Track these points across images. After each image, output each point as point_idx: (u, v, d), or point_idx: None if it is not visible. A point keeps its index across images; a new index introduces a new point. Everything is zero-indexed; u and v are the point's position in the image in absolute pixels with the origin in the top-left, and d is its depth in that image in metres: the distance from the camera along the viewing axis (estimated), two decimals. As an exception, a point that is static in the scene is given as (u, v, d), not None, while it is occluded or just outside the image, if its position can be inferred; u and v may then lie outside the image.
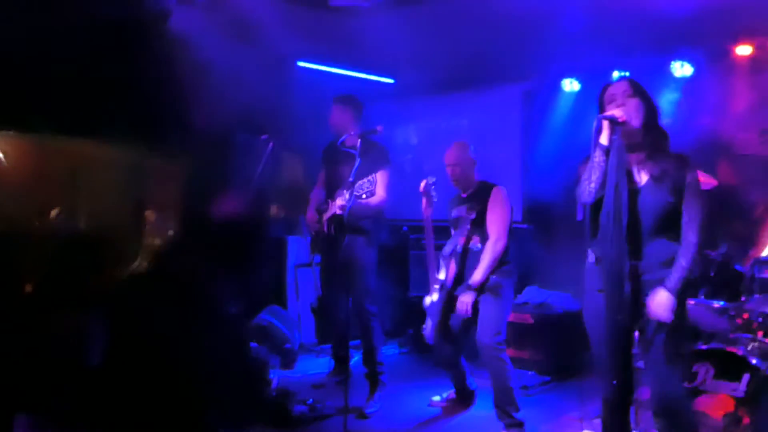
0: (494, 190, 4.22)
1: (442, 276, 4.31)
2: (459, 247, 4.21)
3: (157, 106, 5.15)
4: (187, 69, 4.94)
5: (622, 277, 2.81)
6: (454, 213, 4.36)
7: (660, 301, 2.88)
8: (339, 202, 4.09)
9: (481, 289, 4.08)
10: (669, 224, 2.97)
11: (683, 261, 2.90)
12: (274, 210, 6.59)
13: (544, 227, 6.10)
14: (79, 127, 5.60)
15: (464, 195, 4.35)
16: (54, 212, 5.82)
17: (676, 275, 2.89)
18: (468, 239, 4.19)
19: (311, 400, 4.43)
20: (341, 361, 4.94)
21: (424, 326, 4.39)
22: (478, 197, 4.24)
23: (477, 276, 4.07)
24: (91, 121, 5.35)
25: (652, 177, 2.95)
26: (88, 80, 4.98)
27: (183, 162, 5.60)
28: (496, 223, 4.13)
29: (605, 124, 2.85)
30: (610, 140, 2.82)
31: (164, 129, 5.22)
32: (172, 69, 4.96)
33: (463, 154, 4.30)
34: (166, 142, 5.41)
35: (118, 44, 4.87)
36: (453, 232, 4.38)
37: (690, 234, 2.93)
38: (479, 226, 4.17)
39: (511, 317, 5.45)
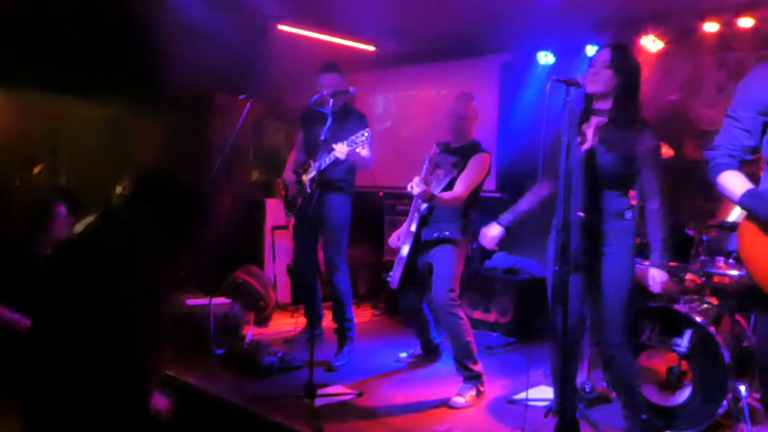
0: (479, 155, 4.21)
1: (413, 228, 4.29)
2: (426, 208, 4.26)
3: (138, 66, 5.23)
4: (168, 29, 5.02)
5: (569, 229, 2.98)
6: (438, 158, 4.31)
7: (655, 277, 3.15)
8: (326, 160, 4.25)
9: (431, 199, 4.00)
10: (618, 185, 3.19)
11: (659, 233, 3.14)
12: (253, 172, 6.70)
13: (516, 196, 6.21)
14: (60, 84, 5.67)
15: (454, 145, 4.34)
16: (36, 169, 5.90)
17: (657, 250, 3.14)
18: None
19: (281, 353, 4.60)
20: (313, 319, 5.08)
21: (391, 272, 4.35)
22: (465, 156, 4.20)
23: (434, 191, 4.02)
24: (72, 79, 5.42)
25: (601, 141, 3.15)
26: (70, 39, 5.04)
27: (162, 120, 5.69)
28: (464, 183, 4.13)
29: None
30: (564, 101, 2.99)
31: (145, 88, 5.30)
32: (154, 29, 5.03)
33: (470, 106, 4.31)
34: (147, 101, 5.50)
35: (100, 4, 4.94)
36: (428, 172, 4.26)
37: (653, 203, 3.17)
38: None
39: (480, 281, 5.66)
